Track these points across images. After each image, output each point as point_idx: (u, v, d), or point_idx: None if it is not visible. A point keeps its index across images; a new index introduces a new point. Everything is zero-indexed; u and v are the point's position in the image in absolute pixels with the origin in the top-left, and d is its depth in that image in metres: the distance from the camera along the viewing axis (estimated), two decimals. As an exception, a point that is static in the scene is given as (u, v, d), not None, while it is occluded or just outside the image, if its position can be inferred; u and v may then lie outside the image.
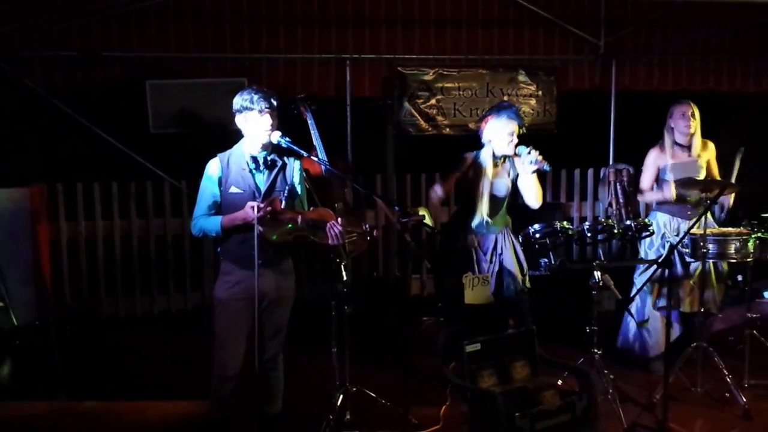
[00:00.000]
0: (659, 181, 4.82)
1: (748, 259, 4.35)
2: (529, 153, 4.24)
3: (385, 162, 6.81)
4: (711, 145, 4.85)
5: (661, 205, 4.83)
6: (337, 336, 3.94)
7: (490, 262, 4.41)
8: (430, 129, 6.65)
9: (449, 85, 6.63)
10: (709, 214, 4.79)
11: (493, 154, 4.41)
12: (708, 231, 4.35)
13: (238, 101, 3.47)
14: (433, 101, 6.62)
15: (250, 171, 3.50)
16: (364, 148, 6.62)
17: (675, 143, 4.75)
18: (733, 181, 4.73)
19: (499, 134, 4.37)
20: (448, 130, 6.66)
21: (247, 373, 3.65)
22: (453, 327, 4.20)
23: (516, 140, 4.35)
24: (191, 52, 6.00)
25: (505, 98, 6.64)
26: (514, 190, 4.49)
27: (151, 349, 5.62)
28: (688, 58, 6.89)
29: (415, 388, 4.22)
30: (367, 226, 3.98)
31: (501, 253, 4.44)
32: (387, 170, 6.82)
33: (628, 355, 4.92)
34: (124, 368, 5.15)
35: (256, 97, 3.43)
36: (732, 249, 4.31)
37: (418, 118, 6.62)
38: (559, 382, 3.90)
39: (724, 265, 4.76)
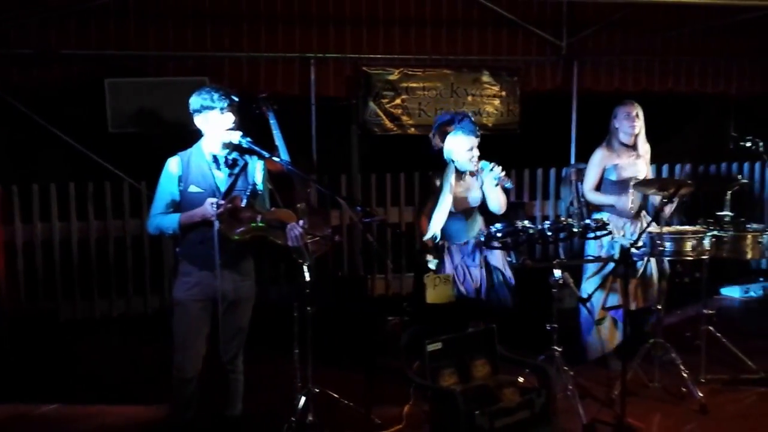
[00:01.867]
0: (603, 180, 4.88)
1: (704, 257, 4.43)
2: (492, 170, 4.34)
3: (350, 162, 6.80)
4: (647, 146, 4.93)
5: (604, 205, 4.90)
6: (299, 337, 3.92)
7: (480, 266, 4.49)
8: (395, 129, 6.65)
9: (414, 84, 6.63)
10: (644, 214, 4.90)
11: (457, 170, 4.47)
12: (665, 229, 4.43)
13: (197, 100, 3.43)
14: (398, 101, 6.63)
15: (211, 170, 3.47)
16: (329, 147, 6.60)
17: (621, 144, 4.82)
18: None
19: (459, 153, 4.44)
20: (413, 129, 6.66)
21: (207, 375, 3.62)
22: (416, 326, 4.21)
23: (477, 153, 4.40)
24: (151, 50, 5.91)
25: (469, 98, 6.69)
26: (484, 196, 4.55)
27: (109, 352, 5.53)
28: (648, 60, 7.00)
29: (378, 388, 4.21)
30: (329, 230, 3.99)
31: (487, 255, 4.51)
32: (352, 170, 6.82)
33: (589, 351, 4.98)
34: (82, 372, 5.07)
35: (216, 95, 3.40)
36: (688, 247, 4.39)
37: (383, 117, 6.62)
38: (521, 380, 3.92)
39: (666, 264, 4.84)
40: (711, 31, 6.77)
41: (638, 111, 4.77)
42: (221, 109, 3.39)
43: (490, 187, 4.47)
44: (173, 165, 3.47)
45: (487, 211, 4.69)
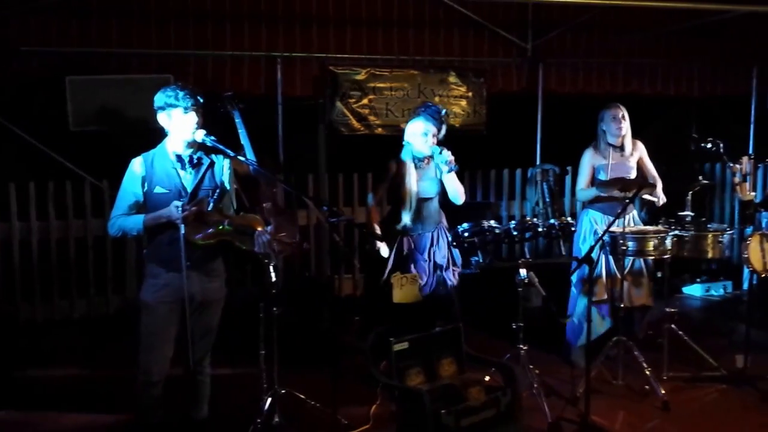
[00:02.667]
0: (594, 180, 4.94)
1: (666, 256, 4.50)
2: (441, 153, 4.36)
3: (317, 162, 6.77)
4: (640, 144, 5.01)
5: (593, 203, 4.96)
6: (265, 338, 3.89)
7: (429, 260, 4.50)
8: (362, 129, 6.65)
9: (381, 85, 6.64)
10: (635, 213, 4.97)
11: (414, 155, 4.50)
12: (627, 229, 4.49)
13: (161, 98, 3.39)
14: (365, 101, 6.62)
15: (176, 170, 3.42)
16: (296, 147, 6.57)
17: (608, 144, 4.89)
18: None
19: (414, 135, 4.48)
20: (380, 130, 6.66)
21: (173, 377, 3.57)
22: (382, 326, 4.20)
23: (432, 141, 4.43)
24: (114, 48, 5.82)
25: (437, 99, 6.71)
26: (443, 189, 4.55)
27: (70, 355, 5.41)
28: (613, 62, 7.10)
29: (346, 389, 4.21)
30: (297, 236, 3.96)
31: (435, 251, 4.52)
32: (319, 170, 6.79)
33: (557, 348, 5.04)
34: (41, 375, 4.96)
35: (181, 94, 3.36)
36: (650, 246, 4.45)
37: (350, 117, 6.61)
38: (487, 378, 3.94)
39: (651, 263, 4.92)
40: (673, 34, 6.89)
41: (624, 113, 4.85)
42: (185, 108, 3.35)
43: (446, 176, 4.48)
44: (137, 165, 3.41)
45: (449, 208, 4.72)
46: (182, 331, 3.46)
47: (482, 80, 6.87)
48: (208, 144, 3.39)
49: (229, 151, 3.46)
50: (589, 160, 4.93)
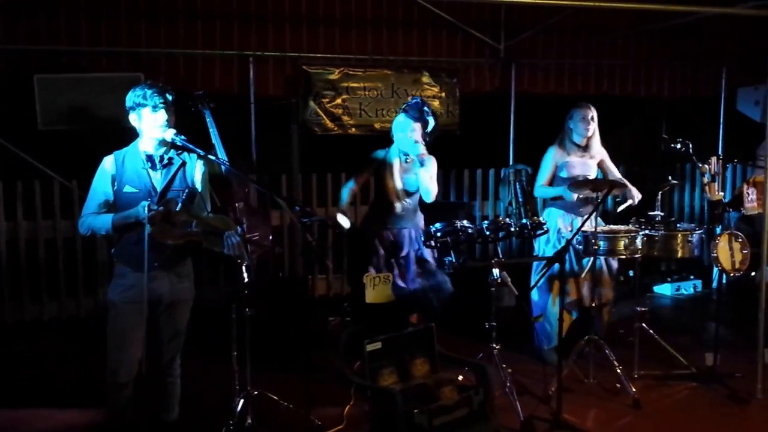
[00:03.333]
0: (555, 178, 4.98)
1: (637, 255, 4.55)
2: (415, 145, 4.45)
3: (290, 162, 6.74)
4: (603, 149, 5.06)
5: (555, 201, 4.99)
6: (237, 339, 3.86)
7: (407, 257, 4.50)
8: (336, 129, 6.63)
9: (355, 84, 6.63)
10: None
11: (399, 150, 4.57)
12: (599, 228, 4.53)
13: (131, 97, 3.36)
14: (338, 101, 6.60)
15: (146, 170, 3.39)
16: (269, 147, 6.53)
17: (573, 143, 4.92)
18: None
19: (397, 132, 4.56)
20: (354, 129, 6.65)
21: (143, 378, 3.53)
22: (355, 326, 4.20)
23: (416, 137, 4.46)
24: (84, 46, 5.74)
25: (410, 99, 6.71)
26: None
27: (40, 357, 5.33)
28: (584, 63, 7.16)
29: (319, 389, 4.19)
30: (270, 238, 3.93)
31: (418, 248, 4.59)
32: (292, 170, 6.76)
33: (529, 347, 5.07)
34: (11, 377, 4.88)
35: (150, 92, 3.33)
36: (621, 246, 4.50)
37: (324, 117, 6.58)
38: (461, 378, 3.95)
39: (615, 262, 4.96)
40: (644, 35, 6.97)
41: (593, 114, 4.90)
42: (153, 106, 3.32)
43: (421, 171, 4.52)
44: (108, 164, 3.39)
45: (425, 209, 4.74)
46: (151, 332, 3.43)
47: (455, 80, 6.89)
48: (178, 143, 3.36)
49: (199, 151, 3.43)
50: (552, 157, 4.96)
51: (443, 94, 6.87)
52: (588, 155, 4.95)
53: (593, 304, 4.76)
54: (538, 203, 7.26)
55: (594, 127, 4.90)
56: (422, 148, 4.44)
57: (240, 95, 6.24)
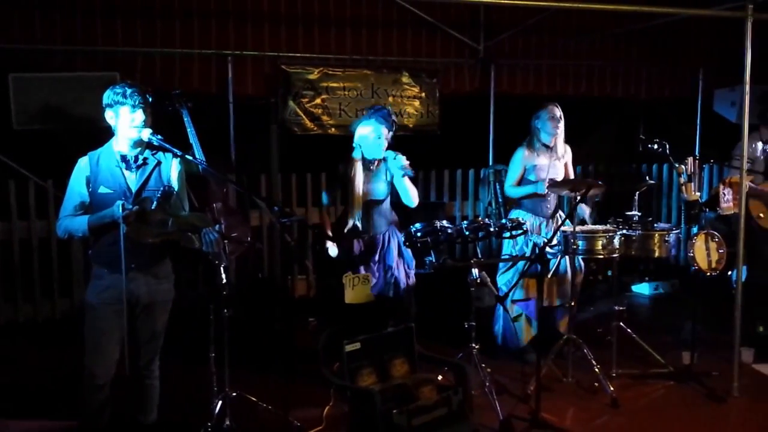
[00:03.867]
0: (523, 179, 4.99)
1: (614, 255, 4.58)
2: (395, 159, 4.37)
3: (269, 162, 6.70)
4: (569, 148, 5.08)
5: (522, 203, 5.01)
6: (215, 340, 3.83)
7: (379, 261, 4.49)
8: (315, 128, 6.61)
9: (334, 84, 6.61)
10: (561, 213, 5.03)
11: (364, 157, 4.49)
12: (578, 228, 4.55)
13: (109, 94, 3.34)
14: (318, 100, 6.58)
15: (121, 170, 3.36)
16: (249, 147, 6.49)
17: (542, 144, 4.94)
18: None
19: (365, 137, 4.48)
20: (333, 130, 6.63)
21: (121, 380, 3.49)
22: (334, 327, 4.19)
23: (385, 144, 4.43)
24: (59, 44, 5.67)
25: (390, 99, 6.72)
26: (394, 190, 4.55)
27: (15, 359, 5.26)
28: (563, 64, 7.20)
29: (300, 390, 4.17)
30: (249, 236, 3.91)
31: (386, 252, 4.51)
32: (271, 170, 6.72)
33: (506, 347, 5.08)
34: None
35: (130, 91, 3.31)
36: (599, 245, 4.53)
37: (303, 117, 6.56)
38: (440, 378, 3.95)
39: (581, 262, 4.99)
40: (622, 36, 7.02)
41: (560, 113, 4.91)
42: (132, 105, 3.29)
43: (399, 180, 4.48)
44: (82, 165, 3.37)
45: (403, 209, 4.72)
46: (128, 334, 3.39)
47: (435, 81, 6.90)
48: (155, 143, 3.33)
49: (176, 150, 3.41)
50: (521, 158, 4.97)
51: (423, 95, 6.88)
52: (555, 156, 4.97)
53: (566, 305, 4.78)
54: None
55: (561, 126, 4.91)
56: (404, 159, 4.35)
57: (218, 95, 6.20)
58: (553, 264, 4.84)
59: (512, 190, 5.03)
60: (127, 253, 3.20)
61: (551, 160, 4.95)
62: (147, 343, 3.54)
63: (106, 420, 3.51)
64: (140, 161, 3.38)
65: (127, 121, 3.31)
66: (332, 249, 4.48)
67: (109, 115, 3.35)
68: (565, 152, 5.04)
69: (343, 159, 4.55)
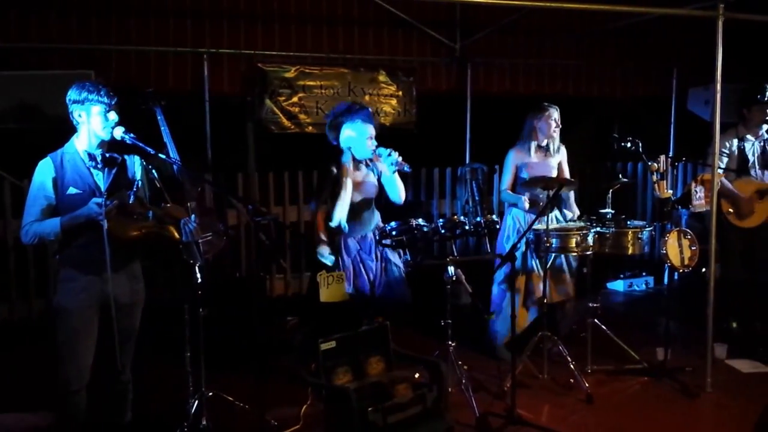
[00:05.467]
0: (518, 179, 5.02)
1: (588, 252, 4.62)
2: (389, 155, 4.34)
3: (246, 160, 6.68)
4: (563, 148, 5.12)
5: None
6: (190, 340, 3.81)
7: (376, 260, 4.49)
8: (292, 127, 6.60)
9: (311, 83, 6.60)
10: (557, 212, 5.07)
11: (354, 158, 4.45)
12: (551, 226, 4.59)
13: (78, 93, 3.27)
14: (295, 99, 6.57)
15: (88, 169, 3.31)
16: (225, 146, 6.47)
17: (535, 144, 4.96)
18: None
19: (357, 140, 4.42)
20: (311, 128, 6.62)
21: (95, 382, 3.46)
22: (310, 326, 4.18)
23: (375, 142, 4.42)
24: (33, 42, 5.61)
25: (367, 98, 6.72)
26: (380, 188, 4.55)
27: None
28: (539, 63, 7.25)
29: (276, 390, 4.17)
30: (221, 225, 3.89)
31: (379, 249, 4.52)
32: (248, 169, 6.71)
33: (484, 344, 5.11)
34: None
35: (103, 90, 3.27)
36: (573, 243, 4.57)
37: (280, 115, 6.55)
38: (417, 375, 3.96)
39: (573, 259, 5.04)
40: (597, 36, 7.09)
41: (558, 116, 4.95)
42: (105, 104, 3.26)
43: (389, 176, 4.47)
44: (46, 167, 3.29)
45: (386, 206, 4.72)
46: (103, 336, 3.36)
47: (412, 79, 6.92)
48: (128, 142, 3.30)
49: (149, 149, 3.38)
50: (512, 159, 5.01)
51: (400, 93, 6.90)
52: (549, 155, 5.01)
53: (555, 301, 4.82)
54: (494, 202, 7.33)
55: (559, 128, 4.96)
56: (397, 154, 4.32)
57: (194, 93, 6.17)
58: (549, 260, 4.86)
59: (503, 195, 5.08)
60: (102, 252, 3.16)
61: (544, 159, 4.99)
62: (122, 344, 3.49)
63: (81, 422, 3.46)
64: (107, 159, 3.33)
65: (98, 120, 3.27)
66: (328, 258, 4.36)
67: (76, 112, 3.29)
68: (559, 152, 5.07)
69: (333, 162, 4.44)
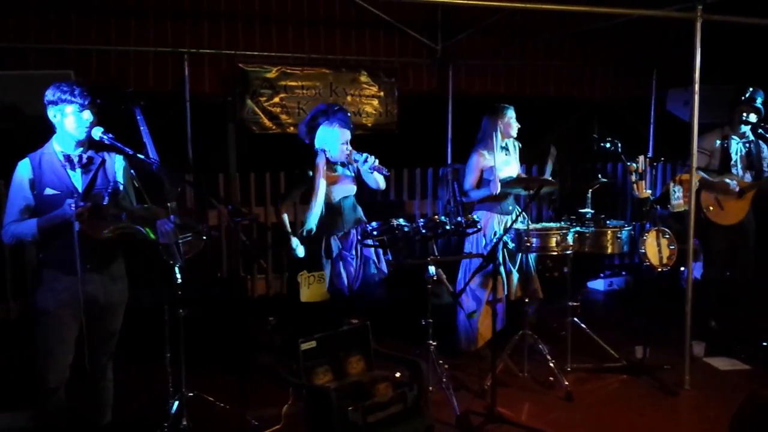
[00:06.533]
0: (483, 181, 5.04)
1: (568, 252, 4.66)
2: (366, 161, 4.37)
3: (227, 161, 6.66)
4: (518, 144, 5.16)
5: (483, 203, 5.06)
6: (171, 340, 3.79)
7: (356, 256, 4.51)
8: (274, 128, 6.59)
9: (293, 83, 6.60)
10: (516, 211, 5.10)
11: (328, 160, 4.47)
12: (531, 226, 4.62)
13: (53, 93, 3.26)
14: (276, 99, 6.56)
15: (65, 170, 3.29)
16: (206, 146, 6.44)
17: (497, 144, 4.99)
18: (548, 177, 5.02)
19: (332, 143, 4.45)
20: (292, 128, 6.61)
21: (75, 382, 3.44)
22: (291, 325, 4.18)
23: (350, 147, 4.43)
24: (11, 42, 5.56)
25: (348, 98, 6.73)
26: (359, 183, 4.57)
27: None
28: (520, 64, 7.29)
29: (257, 390, 4.16)
30: (202, 226, 3.87)
31: (360, 246, 4.55)
32: (229, 169, 6.68)
33: (462, 344, 5.13)
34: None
35: (78, 90, 3.25)
36: (553, 242, 4.60)
37: (262, 116, 6.53)
38: (398, 374, 3.96)
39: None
40: (577, 37, 7.13)
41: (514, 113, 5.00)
42: (80, 105, 3.24)
43: (367, 174, 4.51)
44: (24, 168, 3.28)
45: (369, 204, 4.74)
46: (82, 336, 3.34)
47: (393, 80, 6.93)
48: (106, 142, 3.29)
49: (128, 150, 3.37)
50: (477, 162, 5.02)
51: (382, 94, 6.91)
52: (509, 154, 5.05)
53: (526, 299, 4.85)
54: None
55: (518, 126, 5.01)
56: (374, 158, 4.35)
57: (175, 93, 6.14)
58: (517, 259, 4.88)
59: (471, 194, 5.10)
60: (81, 253, 3.15)
61: (507, 158, 5.02)
62: (102, 344, 3.49)
63: (60, 422, 3.44)
64: (85, 160, 3.32)
65: (74, 120, 3.26)
66: (299, 249, 4.44)
67: (52, 112, 3.28)
68: (516, 149, 5.11)
69: (309, 163, 4.47)
